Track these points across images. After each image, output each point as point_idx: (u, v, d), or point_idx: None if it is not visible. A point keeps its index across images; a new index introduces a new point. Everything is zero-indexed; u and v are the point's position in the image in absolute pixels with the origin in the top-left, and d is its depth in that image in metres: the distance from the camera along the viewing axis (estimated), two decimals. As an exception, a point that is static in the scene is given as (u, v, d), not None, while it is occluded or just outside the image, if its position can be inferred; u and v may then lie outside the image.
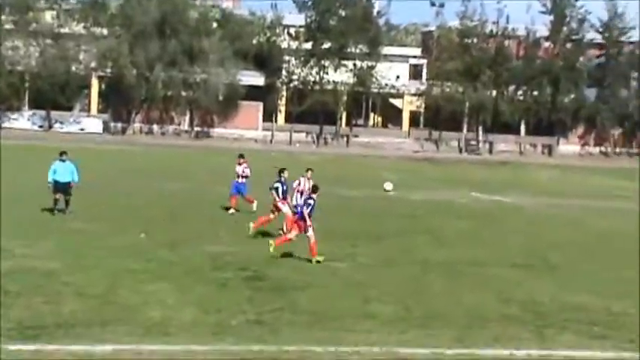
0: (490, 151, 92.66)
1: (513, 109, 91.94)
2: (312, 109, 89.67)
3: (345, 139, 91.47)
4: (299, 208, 25.24)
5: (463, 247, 26.96)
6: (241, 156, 33.46)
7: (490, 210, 38.70)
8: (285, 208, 26.99)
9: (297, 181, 27.87)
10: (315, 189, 24.39)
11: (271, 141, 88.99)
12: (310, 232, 23.25)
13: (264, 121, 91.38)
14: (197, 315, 16.79)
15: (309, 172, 28.28)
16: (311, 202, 23.65)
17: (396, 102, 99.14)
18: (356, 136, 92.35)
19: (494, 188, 49.95)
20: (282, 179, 27.23)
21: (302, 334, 15.90)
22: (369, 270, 22.51)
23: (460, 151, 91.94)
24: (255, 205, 31.87)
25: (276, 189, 26.87)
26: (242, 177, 32.68)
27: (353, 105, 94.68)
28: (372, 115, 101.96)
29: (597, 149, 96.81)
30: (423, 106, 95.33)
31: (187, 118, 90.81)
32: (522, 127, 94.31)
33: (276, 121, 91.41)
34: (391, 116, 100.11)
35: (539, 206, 41.42)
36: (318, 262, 22.75)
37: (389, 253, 25.05)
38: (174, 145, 76.24)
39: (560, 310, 18.89)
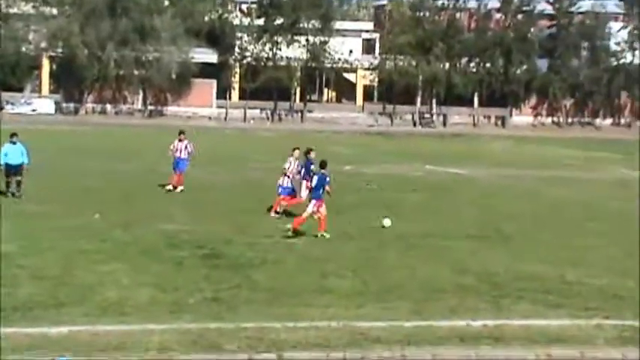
0: (444, 124, 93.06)
1: (466, 82, 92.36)
2: (266, 86, 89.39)
3: (300, 114, 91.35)
4: (280, 189, 26.74)
5: (418, 220, 27.08)
6: (182, 132, 33.16)
7: (445, 182, 38.89)
8: (303, 191, 26.94)
9: (287, 163, 27.69)
10: (323, 164, 24.59)
11: (225, 118, 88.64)
12: (310, 210, 23.67)
13: (217, 98, 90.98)
14: (154, 294, 16.72)
15: (296, 151, 28.16)
16: (328, 179, 24.19)
17: (350, 77, 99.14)
18: (310, 111, 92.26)
19: (449, 160, 50.20)
20: (309, 160, 27.05)
21: (260, 310, 15.89)
22: (325, 245, 22.54)
23: (414, 124, 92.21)
24: (181, 188, 31.47)
25: (302, 168, 26.38)
26: (183, 153, 32.18)
27: (307, 80, 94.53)
28: (325, 90, 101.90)
29: (549, 119, 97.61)
30: (377, 80, 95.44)
31: (140, 97, 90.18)
32: (475, 99, 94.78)
33: (230, 99, 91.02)
34: (345, 91, 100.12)
35: (493, 177, 41.71)
36: (290, 234, 23.10)
37: (345, 228, 25.09)
38: (127, 125, 75.66)
39: (515, 280, 19.04)
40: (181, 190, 31.45)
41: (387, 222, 25.21)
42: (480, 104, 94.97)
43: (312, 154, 27.59)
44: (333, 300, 16.84)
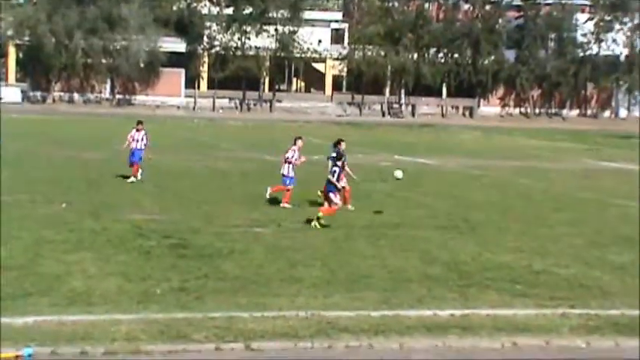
0: (413, 114, 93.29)
1: (435, 72, 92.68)
2: (235, 75, 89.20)
3: (269, 104, 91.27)
4: (287, 179, 27.02)
5: (387, 210, 27.13)
6: (140, 122, 32.89)
7: (413, 172, 38.97)
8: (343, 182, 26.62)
9: (290, 152, 27.72)
10: (339, 156, 24.66)
11: (194, 108, 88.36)
12: (337, 199, 23.94)
13: (186, 87, 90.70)
14: (121, 284, 16.64)
15: (299, 141, 28.17)
16: (336, 169, 24.22)
17: (319, 66, 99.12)
18: (279, 101, 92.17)
19: (417, 151, 50.35)
20: (339, 150, 26.44)
21: (227, 300, 15.86)
22: (293, 234, 22.53)
23: (383, 114, 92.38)
24: (139, 175, 31.30)
25: (334, 172, 25.23)
26: (140, 144, 31.89)
27: (275, 70, 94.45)
28: (294, 80, 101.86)
29: (517, 110, 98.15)
30: (346, 70, 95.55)
31: (108, 85, 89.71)
32: (444, 90, 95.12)
33: (198, 88, 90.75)
34: (314, 81, 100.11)
35: (461, 167, 41.86)
36: (315, 224, 23.38)
37: (313, 217, 25.07)
38: (95, 114, 75.25)
39: (482, 270, 19.12)
40: (132, 182, 31.07)
41: (398, 173, 25.56)
42: (448, 95, 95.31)
43: (343, 145, 27.30)
44: (301, 289, 16.84)
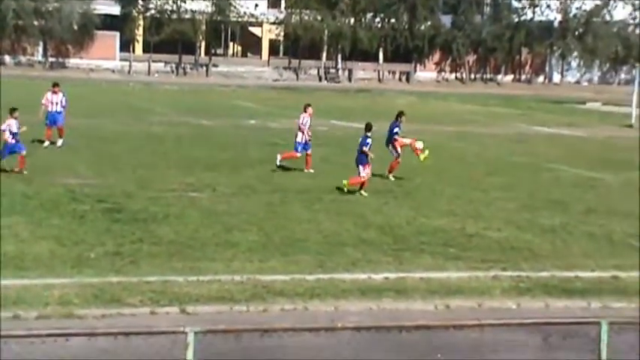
0: (349, 79, 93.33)
1: (371, 37, 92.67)
2: (171, 39, 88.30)
3: (205, 68, 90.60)
4: (299, 146, 27.19)
5: (322, 175, 27.20)
6: (56, 84, 32.03)
7: (350, 137, 38.99)
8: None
9: (301, 117, 27.78)
10: (368, 127, 24.75)
11: (129, 71, 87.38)
12: (364, 172, 23.97)
13: (121, 51, 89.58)
14: (54, 248, 16.50)
15: (309, 108, 28.16)
16: (368, 140, 24.18)
17: (256, 31, 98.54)
18: (215, 65, 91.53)
19: (354, 116, 50.40)
20: (398, 122, 26.91)
21: (162, 264, 15.83)
22: (229, 199, 22.50)
23: (320, 79, 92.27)
24: (60, 142, 30.66)
25: (367, 144, 24.89)
26: (58, 106, 31.08)
27: (212, 34, 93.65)
28: (231, 44, 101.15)
29: (453, 75, 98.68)
30: (283, 34, 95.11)
31: (41, 48, 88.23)
32: (380, 55, 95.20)
33: (133, 52, 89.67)
34: (250, 45, 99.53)
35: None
36: (349, 191, 23.75)
37: (249, 182, 25.08)
38: (26, 76, 73.94)
39: (417, 234, 19.32)
40: (46, 147, 30.36)
41: (419, 144, 26.24)
42: (385, 60, 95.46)
43: (403, 118, 27.60)
44: (237, 254, 16.86)
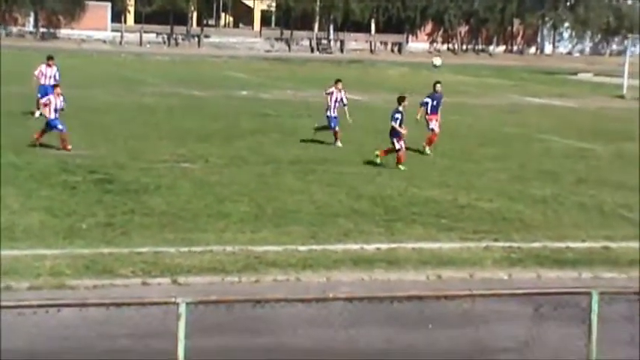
0: (341, 50, 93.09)
1: (363, 8, 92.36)
2: (162, 10, 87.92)
3: (197, 39, 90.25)
4: (333, 122, 26.98)
5: (314, 146, 27.17)
6: (51, 58, 31.49)
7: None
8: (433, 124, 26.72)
9: (328, 93, 27.56)
10: (400, 100, 24.12)
11: (121, 42, 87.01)
12: (398, 144, 23.48)
13: (112, 21, 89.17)
14: (45, 219, 16.48)
15: (339, 83, 27.86)
16: (398, 115, 23.63)
17: (247, 1, 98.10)
18: (207, 36, 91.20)
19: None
20: (401, 108, 24.62)
21: (154, 235, 15.82)
22: (221, 170, 22.47)
23: (312, 50, 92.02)
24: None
25: (396, 119, 24.02)
26: (52, 80, 30.22)
27: (204, 5, 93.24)
28: (223, 15, 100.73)
29: (445, 46, 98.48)
30: (274, 5, 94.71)
31: (32, 19, 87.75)
32: (372, 26, 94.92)
33: (125, 22, 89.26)
34: (242, 16, 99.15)
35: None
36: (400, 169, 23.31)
37: (241, 153, 25.04)
38: (17, 47, 73.55)
39: (409, 205, 19.33)
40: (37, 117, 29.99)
41: (437, 60, 25.20)
42: (377, 31, 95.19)
43: (439, 87, 27.48)
44: (229, 225, 16.86)
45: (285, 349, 10.99)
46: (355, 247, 15.74)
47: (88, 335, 10.67)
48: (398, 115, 23.87)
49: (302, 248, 15.44)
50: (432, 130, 26.78)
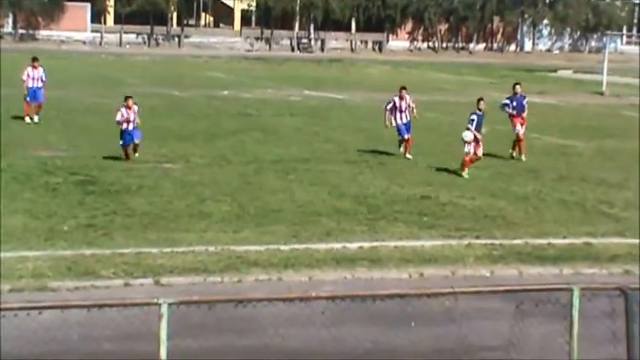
0: (322, 49, 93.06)
1: (343, 7, 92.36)
2: (142, 10, 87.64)
3: (177, 39, 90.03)
4: (402, 129, 25.07)
5: (296, 145, 27.17)
6: (36, 59, 31.22)
7: (323, 107, 39.02)
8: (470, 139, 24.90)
9: (391, 102, 25.65)
10: (478, 102, 23.59)
11: (101, 43, 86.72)
12: (466, 149, 22.70)
13: (92, 22, 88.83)
14: (27, 221, 16.41)
15: (404, 90, 25.89)
16: (474, 117, 23.13)
17: (227, 1, 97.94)
18: (187, 36, 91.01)
19: (327, 85, 50.36)
20: (478, 110, 23.76)
21: (136, 236, 15.78)
22: (202, 170, 22.44)
23: (292, 49, 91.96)
24: (36, 118, 29.87)
25: (472, 121, 23.31)
26: (39, 82, 30.36)
27: (183, 5, 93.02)
28: (203, 15, 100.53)
29: (425, 44, 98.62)
30: (255, 4, 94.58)
31: (10, 20, 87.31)
32: (353, 24, 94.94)
33: (104, 23, 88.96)
34: (222, 16, 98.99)
35: (370, 102, 41.99)
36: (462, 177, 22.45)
37: (223, 153, 25.01)
38: (-3, 49, 73.18)
39: (391, 203, 19.35)
40: (29, 123, 29.74)
41: (468, 136, 22.53)
42: (357, 29, 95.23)
43: (518, 88, 26.76)
44: (211, 224, 16.84)
45: (268, 349, 10.98)
46: (337, 245, 15.75)
47: (70, 337, 10.63)
48: (474, 117, 23.28)
49: (284, 247, 15.44)
50: (518, 133, 26.06)
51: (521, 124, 26.37)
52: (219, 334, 11.05)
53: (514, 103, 26.71)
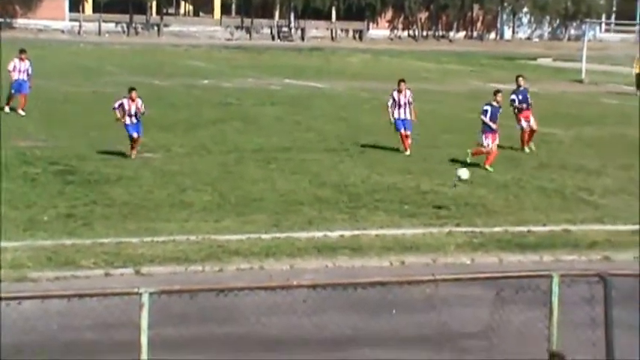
0: (302, 38, 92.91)
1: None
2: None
3: (156, 28, 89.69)
4: (399, 123, 24.28)
5: (277, 134, 27.15)
6: (23, 51, 30.79)
7: (304, 96, 38.96)
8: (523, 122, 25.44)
9: (390, 98, 25.13)
10: (495, 92, 23.31)
11: (79, 32, 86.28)
12: (485, 142, 22.46)
13: (70, 11, 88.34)
14: (6, 211, 16.34)
15: (402, 83, 25.38)
16: (487, 108, 22.83)
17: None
18: (167, 25, 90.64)
19: (308, 74, 50.27)
20: (495, 102, 23.26)
21: (116, 226, 15.75)
22: (183, 159, 22.41)
23: (272, 38, 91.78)
24: (21, 111, 29.29)
25: (485, 112, 23.02)
26: (24, 74, 29.89)
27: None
28: (182, 3, 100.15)
29: (405, 33, 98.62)
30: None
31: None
32: (333, 13, 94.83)
33: (83, 11, 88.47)
34: (202, 4, 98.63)
35: (350, 90, 42.00)
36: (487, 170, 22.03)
37: (203, 142, 24.97)
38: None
39: (372, 191, 19.38)
40: (22, 115, 29.30)
41: (464, 173, 19.61)
42: (338, 18, 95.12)
43: (521, 80, 26.25)
44: (192, 214, 16.83)
45: (250, 338, 10.99)
46: (319, 234, 15.77)
47: (50, 327, 10.61)
48: (487, 108, 22.92)
49: (265, 236, 15.45)
50: (522, 128, 25.64)
51: (526, 120, 25.83)
52: (200, 323, 11.05)
53: (520, 97, 26.17)
